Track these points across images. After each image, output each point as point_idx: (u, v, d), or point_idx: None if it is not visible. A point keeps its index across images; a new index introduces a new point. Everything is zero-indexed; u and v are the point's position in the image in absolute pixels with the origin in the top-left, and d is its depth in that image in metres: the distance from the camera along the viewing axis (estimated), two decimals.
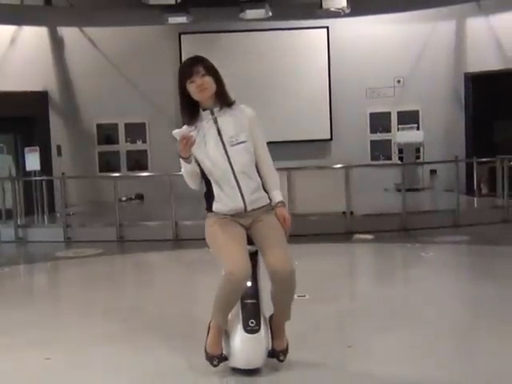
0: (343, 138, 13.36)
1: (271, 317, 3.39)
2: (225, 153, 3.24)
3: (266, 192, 3.35)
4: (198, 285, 6.28)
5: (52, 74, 13.14)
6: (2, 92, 12.13)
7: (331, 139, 13.59)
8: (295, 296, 3.31)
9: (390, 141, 13.52)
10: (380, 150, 13.59)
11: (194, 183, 3.41)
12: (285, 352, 3.40)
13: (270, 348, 3.33)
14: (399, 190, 10.20)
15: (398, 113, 13.58)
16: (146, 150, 13.73)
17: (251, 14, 12.41)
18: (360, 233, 8.57)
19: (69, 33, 13.24)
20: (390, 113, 13.65)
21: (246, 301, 3.24)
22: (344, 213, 8.95)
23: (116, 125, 13.58)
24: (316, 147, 13.30)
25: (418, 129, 13.25)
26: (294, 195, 8.86)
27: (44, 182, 10.68)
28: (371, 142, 13.68)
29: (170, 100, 13.60)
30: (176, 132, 3.23)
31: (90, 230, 9.37)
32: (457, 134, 13.12)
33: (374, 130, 13.69)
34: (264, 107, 13.40)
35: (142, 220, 9.65)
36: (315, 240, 8.17)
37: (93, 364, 3.73)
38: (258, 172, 3.34)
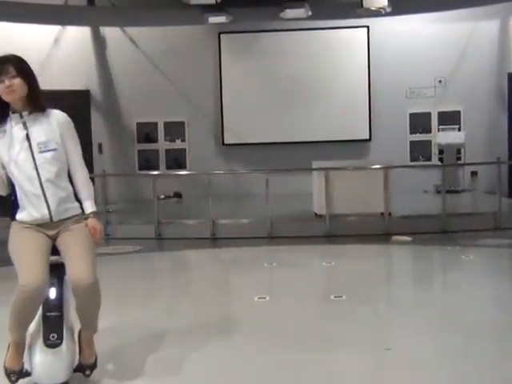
0: (382, 138, 13.23)
1: (80, 330, 3.29)
2: (32, 160, 3.08)
3: (80, 201, 3.25)
4: (235, 283, 6.32)
5: (94, 74, 13.37)
6: (45, 91, 12.40)
7: (370, 140, 13.47)
8: (332, 297, 3.29)
9: (430, 142, 13.31)
10: (419, 151, 13.39)
11: (1, 190, 3.22)
12: (92, 366, 3.28)
13: (77, 362, 3.23)
14: (439, 192, 10.06)
15: (439, 113, 13.36)
16: (184, 149, 13.84)
17: (291, 13, 12.38)
18: (398, 234, 8.46)
19: (111, 33, 13.45)
20: (430, 113, 13.43)
21: (47, 313, 3.10)
22: (382, 214, 8.86)
23: (156, 123, 13.73)
24: (355, 147, 13.20)
25: (459, 130, 13.02)
26: (332, 196, 8.82)
27: None
28: (411, 142, 13.50)
29: (209, 99, 13.72)
30: None
31: (129, 227, 9.48)
32: (499, 134, 12.84)
33: (413, 131, 13.50)
34: (303, 107, 13.42)
35: (180, 218, 9.72)
36: (352, 241, 8.13)
37: (130, 355, 3.79)
38: (72, 181, 3.24)
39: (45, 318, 3.09)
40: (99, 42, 13.43)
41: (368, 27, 13.40)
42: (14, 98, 3.09)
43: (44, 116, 3.19)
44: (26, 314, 3.02)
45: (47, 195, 3.09)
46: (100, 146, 13.28)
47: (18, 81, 3.09)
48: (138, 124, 13.67)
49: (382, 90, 13.27)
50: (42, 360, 3.05)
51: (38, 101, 3.18)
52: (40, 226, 3.12)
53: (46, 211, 3.10)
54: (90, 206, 3.24)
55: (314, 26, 13.31)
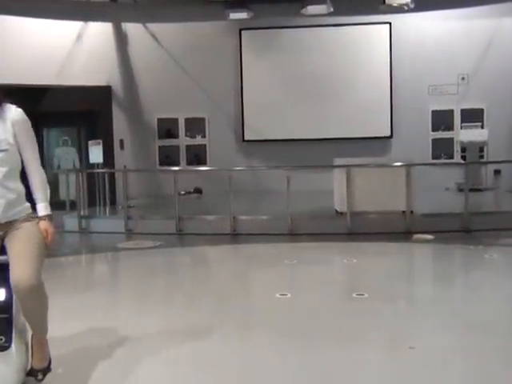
0: (404, 135, 13.14)
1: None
2: None
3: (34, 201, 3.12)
4: (255, 280, 6.31)
5: (115, 69, 13.44)
6: (67, 86, 12.52)
7: (391, 137, 13.38)
8: (354, 295, 3.26)
9: (453, 139, 13.19)
10: (442, 149, 13.27)
11: None
12: (45, 370, 3.13)
13: (29, 366, 3.11)
14: (461, 190, 9.95)
15: (462, 110, 13.23)
16: (204, 145, 13.87)
17: (312, 9, 12.35)
18: (420, 233, 8.40)
19: (132, 29, 13.50)
20: (452, 110, 13.31)
21: None
22: (404, 212, 8.79)
23: (176, 120, 13.78)
24: (376, 145, 13.13)
25: (482, 127, 12.88)
26: (353, 193, 8.77)
27: (106, 175, 10.94)
28: (433, 140, 13.39)
29: (229, 96, 13.72)
30: None
31: (149, 222, 9.53)
32: None
33: (435, 128, 13.39)
34: (324, 104, 13.37)
35: (200, 214, 9.75)
36: (373, 239, 8.08)
37: (151, 352, 3.80)
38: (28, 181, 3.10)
39: None
40: (121, 38, 13.49)
41: (390, 24, 13.30)
42: None
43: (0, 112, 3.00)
44: None
45: None
46: (121, 141, 13.36)
47: None
48: (158, 120, 13.73)
49: (404, 86, 13.18)
50: None
51: None
52: None
53: None
54: (43, 209, 3.11)
55: (335, 23, 13.25)
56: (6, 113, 3.00)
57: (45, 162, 13.54)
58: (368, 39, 13.42)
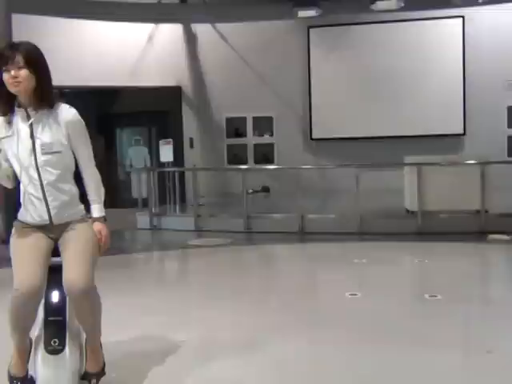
0: (478, 132, 12.73)
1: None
2: (34, 160, 2.85)
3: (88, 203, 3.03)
4: (324, 279, 6.27)
5: (185, 70, 13.69)
6: (139, 87, 12.85)
7: (464, 134, 13.00)
8: (427, 296, 3.17)
9: None
10: None
11: (4, 183, 3.02)
12: (99, 375, 3.06)
13: (83, 370, 3.02)
14: None
15: None
16: (272, 144, 13.91)
17: (382, 4, 12.15)
18: (495, 233, 8.11)
19: (202, 29, 13.71)
20: None
21: (49, 318, 2.90)
22: (478, 211, 8.52)
23: (244, 118, 13.88)
24: (448, 142, 12.79)
25: None
26: (424, 191, 8.57)
27: (176, 173, 11.14)
28: (509, 137, 12.90)
29: (297, 94, 13.70)
30: None
31: (218, 220, 9.65)
32: None
33: None
34: (394, 101, 13.13)
35: (268, 212, 9.78)
36: (446, 239, 7.87)
37: (221, 347, 3.85)
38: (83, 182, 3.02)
39: (46, 322, 2.91)
40: (190, 39, 13.72)
41: (463, 17, 12.92)
42: (19, 90, 2.79)
43: (51, 113, 2.88)
44: (21, 319, 2.85)
45: (48, 199, 2.88)
46: (191, 140, 13.60)
47: (24, 72, 2.77)
48: (227, 119, 13.88)
49: (478, 82, 12.76)
50: (43, 367, 2.86)
51: (46, 96, 2.85)
52: (40, 227, 2.93)
53: (46, 216, 2.90)
54: (97, 210, 3.03)
55: (405, 18, 12.99)
56: (58, 113, 2.89)
57: (118, 161, 13.96)
58: (440, 34, 13.08)
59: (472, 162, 8.78)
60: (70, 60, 12.10)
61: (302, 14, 12.68)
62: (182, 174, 11.89)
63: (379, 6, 12.19)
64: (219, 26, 13.70)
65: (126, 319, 4.53)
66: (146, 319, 4.52)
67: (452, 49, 13.05)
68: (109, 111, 13.31)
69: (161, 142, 11.57)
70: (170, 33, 13.55)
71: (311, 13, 12.65)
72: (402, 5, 12.07)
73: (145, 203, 10.43)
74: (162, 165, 11.38)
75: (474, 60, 12.86)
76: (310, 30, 13.53)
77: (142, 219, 10.17)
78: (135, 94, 12.95)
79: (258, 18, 13.36)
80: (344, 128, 13.36)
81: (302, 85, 13.71)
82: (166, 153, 11.26)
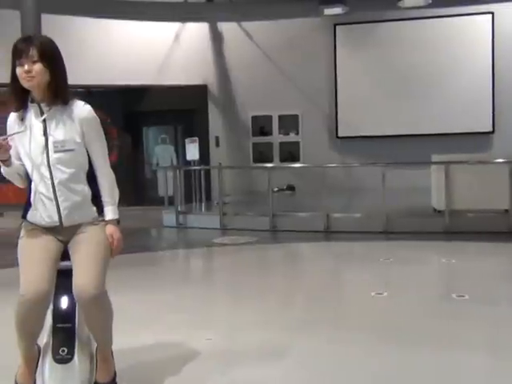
0: (507, 130, 12.53)
1: None
2: (46, 158, 2.72)
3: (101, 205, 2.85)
4: (350, 277, 6.24)
5: (211, 68, 13.74)
6: (165, 86, 12.93)
7: (493, 132, 12.80)
8: (454, 296, 3.13)
9: None
10: None
11: (15, 182, 2.87)
12: None
13: (93, 380, 2.86)
14: None
15: None
16: (298, 142, 13.88)
17: (410, 1, 12.04)
18: None
19: (227, 27, 13.74)
20: None
21: (58, 325, 2.75)
22: (507, 211, 8.38)
23: (270, 117, 13.88)
24: (476, 140, 12.61)
25: None
26: (452, 190, 8.47)
27: (202, 172, 11.20)
28: None
29: (323, 92, 13.65)
30: None
31: (244, 218, 9.66)
32: None
33: None
34: (421, 98, 12.99)
35: (294, 211, 9.76)
36: (474, 238, 7.76)
37: (245, 346, 3.85)
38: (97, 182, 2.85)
39: (55, 329, 2.76)
40: (216, 37, 13.76)
41: (493, 13, 12.72)
42: (33, 84, 2.67)
43: (65, 109, 2.75)
44: (28, 326, 2.70)
45: (59, 199, 2.73)
46: (217, 139, 13.65)
47: (38, 66, 2.64)
48: (253, 117, 13.89)
49: (508, 78, 12.58)
50: (50, 377, 2.72)
51: (60, 92, 2.72)
52: (50, 229, 2.79)
53: (56, 217, 2.75)
54: (110, 212, 2.84)
55: (433, 14, 12.84)
56: (73, 110, 2.76)
57: (144, 159, 14.08)
58: (468, 30, 12.92)
59: (501, 160, 8.64)
60: (97, 59, 12.25)
61: (328, 11, 12.63)
62: (207, 173, 11.94)
63: (406, 2, 12.08)
64: (245, 24, 13.71)
65: (151, 316, 4.56)
66: (170, 316, 4.55)
67: (481, 45, 12.87)
68: (136, 110, 13.42)
69: (187, 140, 11.63)
70: (196, 31, 13.61)
71: (337, 10, 12.59)
72: (430, 1, 11.94)
73: (171, 201, 10.50)
74: (188, 163, 11.45)
75: (504, 57, 12.66)
76: (337, 27, 13.47)
77: (168, 217, 10.23)
78: (162, 92, 13.04)
79: (284, 15, 13.34)
80: (370, 126, 13.27)
81: (328, 83, 13.65)
82: (192, 151, 11.32)
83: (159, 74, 12.94)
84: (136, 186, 13.59)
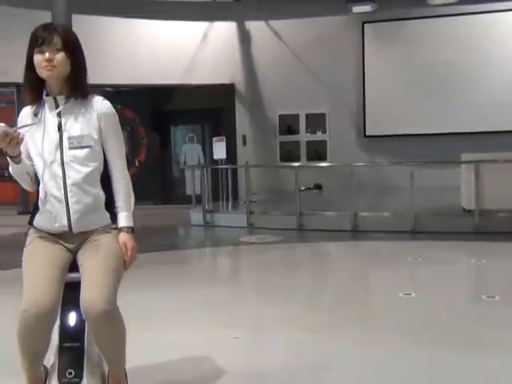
0: None
1: None
2: (60, 156, 2.49)
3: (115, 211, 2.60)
4: (377, 277, 6.19)
5: (238, 67, 13.76)
6: (193, 85, 12.99)
7: None
8: (484, 297, 3.07)
9: None
10: None
11: (24, 184, 2.62)
12: None
13: None
14: None
15: None
16: (325, 141, 13.82)
17: None
18: None
19: (255, 26, 13.74)
20: None
21: (64, 344, 2.47)
22: None
23: (297, 115, 13.84)
24: (507, 139, 12.37)
25: None
26: (482, 190, 8.34)
27: (229, 170, 11.22)
28: None
29: (350, 90, 13.56)
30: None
31: (271, 217, 9.65)
32: None
33: None
34: (451, 96, 12.82)
35: (321, 210, 9.72)
36: (504, 238, 7.62)
37: (271, 345, 3.84)
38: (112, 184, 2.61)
39: (61, 349, 2.48)
40: (244, 36, 13.77)
41: None
42: (52, 74, 2.44)
43: (83, 104, 2.53)
44: (31, 346, 2.42)
45: (70, 201, 2.48)
46: (244, 138, 13.68)
47: (60, 56, 2.43)
48: (280, 116, 13.87)
49: None
50: None
51: (80, 84, 2.51)
52: (58, 236, 2.54)
53: (65, 221, 2.50)
54: (124, 219, 2.57)
55: (463, 11, 12.65)
56: (90, 105, 2.54)
57: (172, 158, 14.17)
58: (500, 27, 12.68)
59: None
60: (125, 59, 12.37)
61: (357, 9, 12.54)
62: (234, 171, 11.97)
63: (436, 0, 11.93)
64: (272, 22, 13.70)
65: (178, 314, 4.59)
66: (197, 314, 4.57)
67: None
68: (163, 109, 13.51)
69: (214, 139, 11.67)
70: (224, 31, 13.64)
71: (366, 8, 12.49)
72: None
73: (198, 200, 10.54)
74: (215, 162, 11.48)
75: None
76: (365, 25, 13.36)
77: (196, 216, 10.28)
78: (189, 91, 13.10)
79: (312, 14, 13.28)
80: (398, 125, 13.14)
81: (356, 81, 13.55)
82: (219, 150, 11.35)
83: (187, 74, 13.01)
84: (164, 185, 13.70)
